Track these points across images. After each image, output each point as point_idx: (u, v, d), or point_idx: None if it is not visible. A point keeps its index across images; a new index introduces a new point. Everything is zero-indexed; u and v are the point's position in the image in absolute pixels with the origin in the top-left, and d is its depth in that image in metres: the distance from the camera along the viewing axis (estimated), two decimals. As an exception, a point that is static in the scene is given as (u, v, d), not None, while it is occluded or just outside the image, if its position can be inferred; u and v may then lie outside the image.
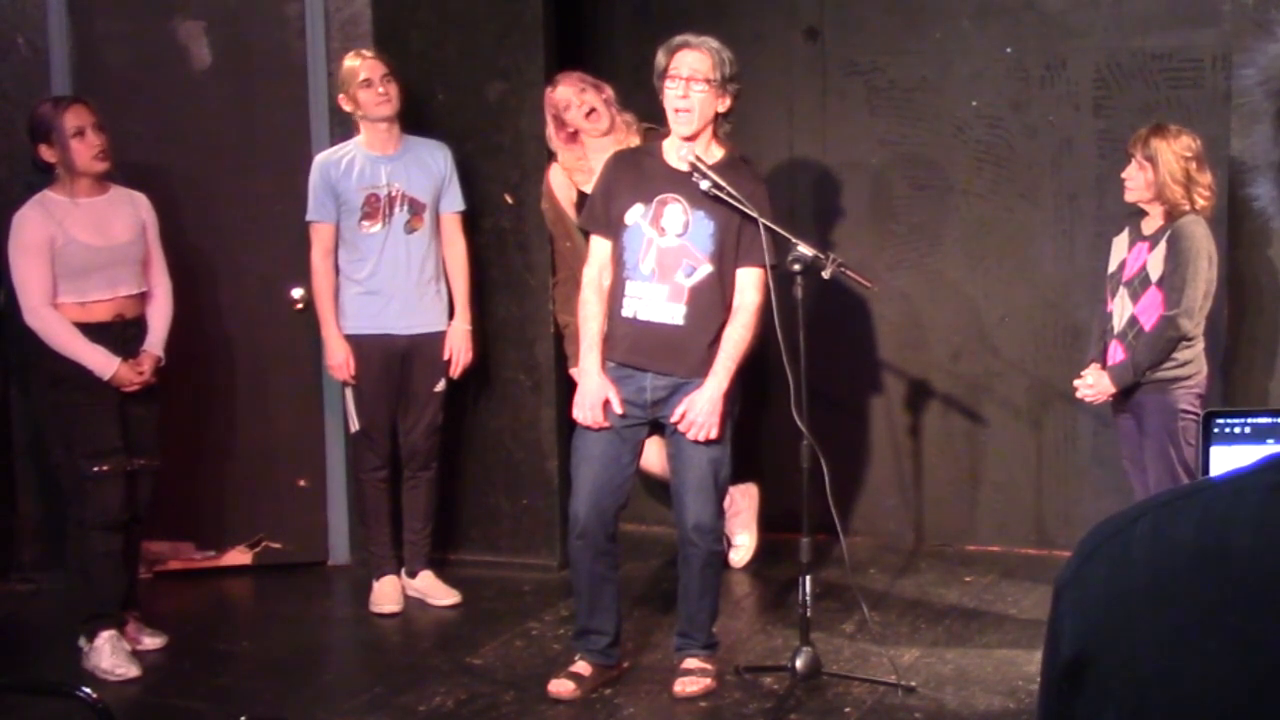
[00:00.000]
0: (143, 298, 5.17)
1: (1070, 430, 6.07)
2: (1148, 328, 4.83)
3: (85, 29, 5.90)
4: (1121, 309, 4.92)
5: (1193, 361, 4.84)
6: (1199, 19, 5.65)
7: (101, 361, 4.98)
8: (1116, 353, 4.93)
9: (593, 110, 5.56)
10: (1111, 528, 1.02)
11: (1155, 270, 4.83)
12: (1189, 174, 4.75)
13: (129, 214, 5.16)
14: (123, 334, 5.07)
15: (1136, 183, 4.84)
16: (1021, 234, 6.08)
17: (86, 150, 4.98)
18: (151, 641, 5.27)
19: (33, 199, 5.04)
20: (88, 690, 3.52)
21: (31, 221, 4.97)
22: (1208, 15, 5.66)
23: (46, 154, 5.00)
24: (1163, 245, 4.80)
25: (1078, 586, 1.02)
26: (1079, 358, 5.93)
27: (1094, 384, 4.95)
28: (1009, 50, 6.00)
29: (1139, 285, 4.87)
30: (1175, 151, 4.75)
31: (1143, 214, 4.92)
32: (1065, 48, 5.92)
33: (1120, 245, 5.00)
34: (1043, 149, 6.00)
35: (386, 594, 5.70)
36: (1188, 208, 4.76)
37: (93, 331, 5.00)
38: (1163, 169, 4.75)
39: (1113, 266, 5.01)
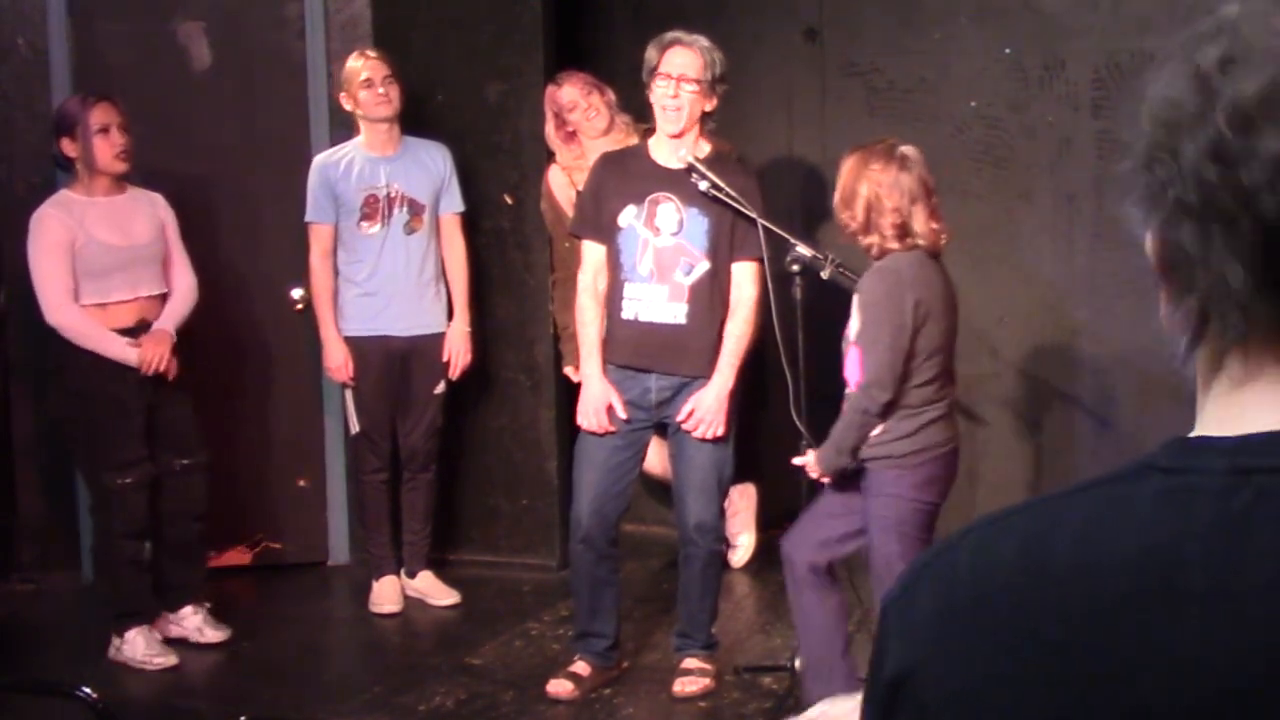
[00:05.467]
0: (164, 299, 5.19)
1: (1069, 431, 6.08)
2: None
3: (85, 29, 5.90)
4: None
5: (915, 435, 4.03)
6: (1198, 20, 5.65)
7: (126, 350, 4.99)
8: None
9: (596, 112, 5.60)
10: (937, 549, 1.02)
11: (854, 325, 4.10)
12: (874, 200, 4.00)
13: (148, 213, 5.18)
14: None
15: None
16: (1020, 235, 6.09)
17: (109, 148, 5.00)
18: (214, 634, 5.29)
19: (51, 198, 5.07)
20: (87, 690, 3.52)
21: (51, 220, 4.97)
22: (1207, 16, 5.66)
23: (68, 148, 5.02)
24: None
25: (903, 604, 1.02)
26: (1078, 359, 5.95)
27: (809, 462, 4.20)
28: (1008, 51, 6.01)
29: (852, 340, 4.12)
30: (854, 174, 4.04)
31: None
32: (1064, 48, 5.92)
33: None
34: (1041, 149, 6.00)
35: (386, 594, 5.71)
36: (877, 245, 4.02)
37: None
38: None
39: None
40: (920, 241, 4.00)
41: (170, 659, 5.10)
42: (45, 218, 4.98)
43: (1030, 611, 0.93)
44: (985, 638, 0.95)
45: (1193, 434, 0.96)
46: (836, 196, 4.08)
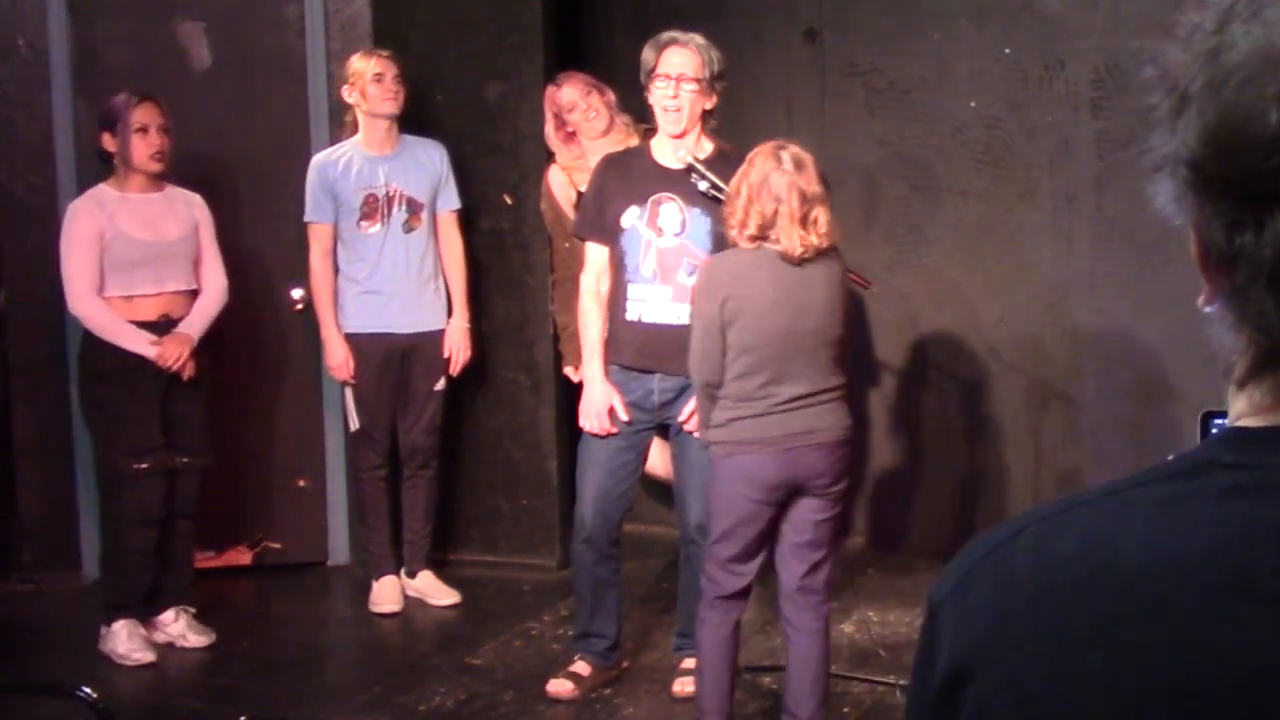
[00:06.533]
0: (192, 296, 5.24)
1: (1069, 431, 6.08)
2: None
3: (85, 29, 5.90)
4: None
5: (726, 426, 4.09)
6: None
7: (144, 345, 5.05)
8: None
9: (595, 113, 5.60)
10: (990, 543, 1.00)
11: None
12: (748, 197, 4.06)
13: (182, 212, 5.25)
14: (168, 333, 5.11)
15: None
16: (1019, 234, 6.09)
17: (146, 148, 5.08)
18: (198, 640, 5.30)
19: (87, 192, 5.18)
20: (87, 690, 3.53)
21: (83, 214, 5.08)
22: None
23: (108, 143, 5.11)
24: None
25: (956, 603, 0.99)
26: (1078, 359, 5.95)
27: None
28: (1007, 51, 6.01)
29: None
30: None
31: None
32: (1063, 48, 5.92)
33: None
34: (1041, 150, 6.00)
35: (386, 594, 5.71)
36: (733, 240, 4.11)
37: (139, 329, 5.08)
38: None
39: None
40: (773, 245, 4.01)
41: (148, 655, 5.10)
42: (77, 211, 5.10)
43: (1097, 611, 0.92)
44: (1050, 636, 0.93)
45: (1244, 421, 0.94)
46: (728, 190, 4.15)
